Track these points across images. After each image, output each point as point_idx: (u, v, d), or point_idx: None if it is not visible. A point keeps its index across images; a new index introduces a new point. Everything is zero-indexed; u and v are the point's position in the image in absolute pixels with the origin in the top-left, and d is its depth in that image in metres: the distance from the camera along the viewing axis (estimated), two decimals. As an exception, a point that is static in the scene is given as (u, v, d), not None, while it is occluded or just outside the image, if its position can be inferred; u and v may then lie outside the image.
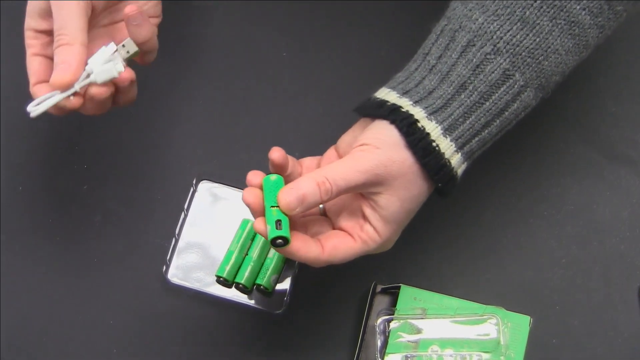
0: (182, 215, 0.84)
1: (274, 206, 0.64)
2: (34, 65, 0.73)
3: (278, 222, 0.63)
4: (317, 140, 0.84)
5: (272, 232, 0.63)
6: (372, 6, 0.92)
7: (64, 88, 0.70)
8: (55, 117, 0.88)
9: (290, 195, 0.63)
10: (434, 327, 0.78)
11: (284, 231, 0.63)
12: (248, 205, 0.66)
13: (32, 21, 0.73)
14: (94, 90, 0.71)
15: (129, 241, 0.84)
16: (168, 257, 0.82)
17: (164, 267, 0.82)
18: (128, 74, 0.71)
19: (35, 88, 0.73)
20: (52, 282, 0.83)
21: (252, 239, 0.82)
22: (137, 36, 0.72)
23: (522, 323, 0.78)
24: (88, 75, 0.70)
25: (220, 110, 0.88)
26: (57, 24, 0.70)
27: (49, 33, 0.73)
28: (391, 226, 0.67)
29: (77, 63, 0.70)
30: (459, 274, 0.82)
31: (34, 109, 0.71)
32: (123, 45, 0.72)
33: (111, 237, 0.84)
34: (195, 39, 0.90)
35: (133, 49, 0.72)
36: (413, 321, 0.78)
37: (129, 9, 0.72)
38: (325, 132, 0.85)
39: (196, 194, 0.85)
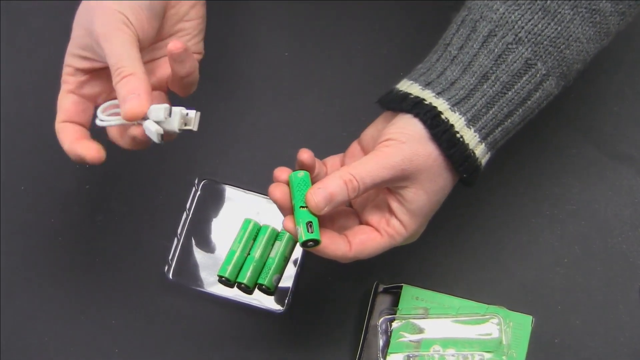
0: (184, 215, 0.84)
1: (303, 206, 0.64)
2: (66, 102, 0.72)
3: (309, 225, 0.64)
4: (318, 139, 0.85)
5: (305, 236, 0.64)
6: (373, 6, 0.92)
7: (137, 119, 0.67)
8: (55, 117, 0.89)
9: (318, 195, 0.64)
10: (436, 327, 0.78)
11: (315, 234, 0.64)
12: (275, 202, 0.66)
13: (72, 60, 0.71)
14: (136, 131, 0.68)
15: (131, 241, 0.84)
16: (170, 257, 0.82)
17: (166, 267, 0.82)
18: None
19: (61, 125, 0.72)
20: (53, 281, 0.83)
21: (254, 239, 0.82)
22: (179, 71, 0.70)
23: (524, 323, 0.78)
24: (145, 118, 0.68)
25: (222, 110, 0.88)
26: (112, 59, 0.67)
27: (87, 71, 0.72)
28: (418, 219, 0.67)
29: (145, 92, 0.67)
30: (460, 273, 0.82)
31: (102, 119, 0.69)
32: (187, 114, 0.68)
33: (113, 237, 0.84)
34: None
35: (191, 125, 0.68)
36: (415, 321, 0.78)
37: (173, 46, 0.68)
38: (327, 131, 0.86)
39: (198, 194, 0.85)
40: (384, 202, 0.68)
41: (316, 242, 0.64)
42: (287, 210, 0.66)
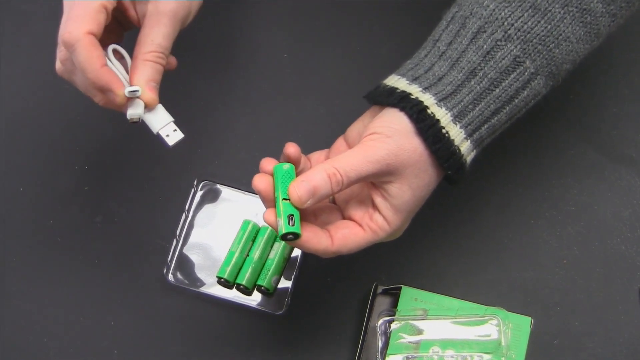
0: (183, 216, 0.84)
1: (285, 199, 0.64)
2: (101, 16, 0.68)
3: (290, 217, 0.63)
4: (317, 140, 0.84)
5: (285, 228, 0.63)
6: (372, 6, 0.92)
7: (151, 106, 0.70)
8: (57, 117, 0.89)
9: (301, 188, 0.63)
10: (435, 328, 0.78)
11: (296, 227, 0.63)
12: (258, 192, 0.65)
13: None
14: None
15: (130, 242, 0.84)
16: (169, 258, 0.82)
17: (165, 268, 0.82)
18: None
19: (91, 38, 0.67)
20: (52, 282, 0.83)
21: (253, 240, 0.82)
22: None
23: (523, 324, 0.78)
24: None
25: (221, 111, 0.88)
26: (164, 40, 0.71)
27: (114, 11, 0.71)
28: (401, 215, 0.67)
29: (158, 85, 0.71)
30: (459, 274, 0.82)
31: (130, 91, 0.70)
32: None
33: (112, 238, 0.84)
34: (197, 39, 0.90)
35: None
36: (414, 322, 0.78)
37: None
38: (326, 132, 0.85)
39: (197, 195, 0.85)
40: (367, 197, 0.67)
41: (296, 235, 0.63)
42: (270, 201, 0.65)
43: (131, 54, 0.71)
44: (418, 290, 0.80)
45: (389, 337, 0.78)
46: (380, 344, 0.78)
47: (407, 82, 0.67)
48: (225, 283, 0.81)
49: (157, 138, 0.71)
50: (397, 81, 0.68)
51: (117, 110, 0.71)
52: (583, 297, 0.81)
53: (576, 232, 0.83)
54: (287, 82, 0.90)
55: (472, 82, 0.66)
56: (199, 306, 0.82)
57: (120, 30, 0.75)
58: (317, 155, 0.72)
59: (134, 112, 0.70)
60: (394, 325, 0.78)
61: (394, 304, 0.79)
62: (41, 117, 0.89)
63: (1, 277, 0.83)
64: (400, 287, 0.80)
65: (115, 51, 0.71)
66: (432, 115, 0.65)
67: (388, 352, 0.77)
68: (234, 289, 0.82)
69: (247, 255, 0.82)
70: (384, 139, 0.65)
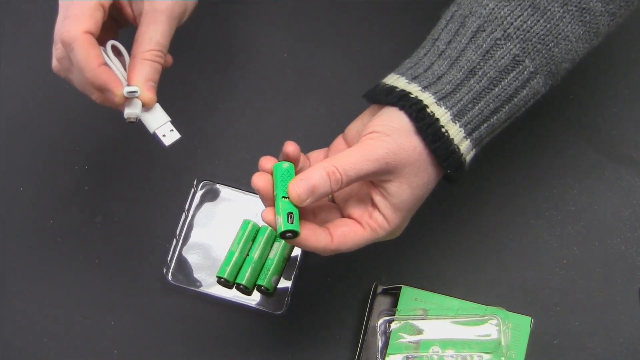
0: (183, 216, 0.84)
1: (285, 197, 0.64)
2: (98, 14, 0.68)
3: (289, 215, 0.63)
4: (317, 140, 0.84)
5: (284, 226, 0.63)
6: (372, 6, 0.92)
7: (149, 106, 0.70)
8: (57, 117, 0.89)
9: (300, 187, 0.63)
10: (434, 328, 0.78)
11: (295, 225, 0.63)
12: (257, 191, 0.65)
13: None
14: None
15: (130, 242, 0.84)
16: (169, 258, 0.82)
17: (165, 268, 0.82)
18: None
19: (88, 37, 0.68)
20: (52, 282, 0.83)
21: (253, 240, 0.82)
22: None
23: (523, 324, 0.78)
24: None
25: (221, 111, 0.88)
26: (162, 38, 0.70)
27: (110, 8, 0.71)
28: (401, 213, 0.67)
29: (156, 85, 0.71)
30: (459, 274, 0.82)
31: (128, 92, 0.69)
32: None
33: (112, 238, 0.84)
34: (196, 39, 0.90)
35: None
36: (414, 322, 0.78)
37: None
38: (326, 132, 0.85)
39: (197, 195, 0.85)
40: (367, 195, 0.67)
41: (295, 233, 0.63)
42: (269, 200, 0.65)
43: (127, 52, 0.72)
44: (418, 290, 0.80)
45: (389, 337, 0.78)
46: (380, 343, 0.78)
47: (407, 80, 0.67)
48: (225, 283, 0.81)
49: (154, 138, 0.71)
50: (396, 80, 0.68)
51: (114, 108, 0.71)
52: (583, 297, 0.81)
53: (576, 232, 0.83)
54: (287, 82, 0.90)
55: (472, 81, 0.66)
56: (199, 306, 0.82)
57: (115, 28, 0.75)
58: (316, 154, 0.72)
59: (131, 111, 0.70)
60: (394, 325, 0.78)
61: (394, 304, 0.79)
62: (41, 117, 0.89)
63: (1, 277, 0.83)
64: (400, 287, 0.80)
65: (113, 47, 0.71)
66: (431, 114, 0.65)
67: (388, 352, 0.77)
68: (234, 289, 0.82)
69: (247, 255, 0.82)
70: (383, 137, 0.65)
